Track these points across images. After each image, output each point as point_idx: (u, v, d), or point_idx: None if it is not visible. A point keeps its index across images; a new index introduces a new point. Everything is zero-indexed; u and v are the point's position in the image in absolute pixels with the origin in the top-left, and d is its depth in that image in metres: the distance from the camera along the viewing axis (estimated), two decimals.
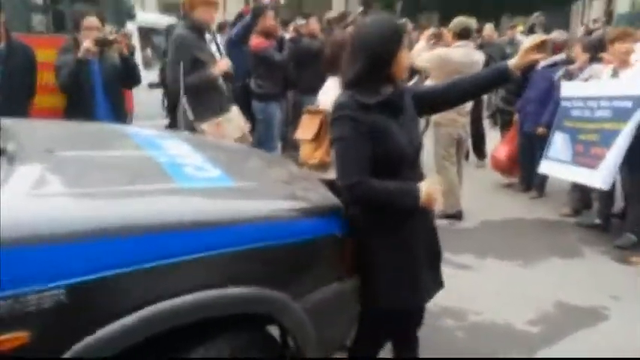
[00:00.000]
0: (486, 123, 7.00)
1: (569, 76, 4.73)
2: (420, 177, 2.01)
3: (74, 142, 2.26)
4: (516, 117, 5.57)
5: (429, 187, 1.89)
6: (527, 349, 2.83)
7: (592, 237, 4.42)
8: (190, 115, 3.51)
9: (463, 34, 4.51)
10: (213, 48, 3.68)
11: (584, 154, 4.17)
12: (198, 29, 3.58)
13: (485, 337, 2.94)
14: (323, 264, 2.02)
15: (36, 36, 4.51)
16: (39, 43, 4.39)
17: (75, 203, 1.58)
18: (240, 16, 5.55)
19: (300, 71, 5.26)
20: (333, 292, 2.02)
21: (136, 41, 4.41)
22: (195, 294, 1.62)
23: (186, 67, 3.45)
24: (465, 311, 3.15)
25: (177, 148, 2.36)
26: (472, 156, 6.77)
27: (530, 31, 8.50)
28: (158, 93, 4.51)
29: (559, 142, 4.47)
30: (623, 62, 4.19)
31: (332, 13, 5.46)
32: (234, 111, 3.77)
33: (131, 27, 5.00)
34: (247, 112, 5.01)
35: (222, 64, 3.61)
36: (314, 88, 3.17)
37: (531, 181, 5.52)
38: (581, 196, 4.90)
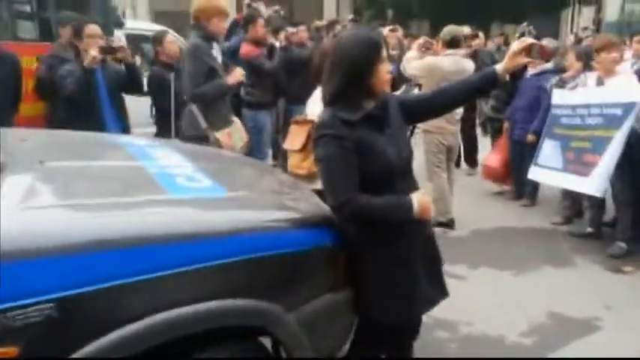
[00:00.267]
0: (477, 131, 6.98)
1: (563, 84, 4.73)
2: (414, 187, 1.98)
3: (65, 153, 2.24)
4: (506, 125, 5.56)
5: (421, 198, 1.86)
6: None
7: (584, 246, 4.40)
8: (203, 124, 3.53)
9: (452, 43, 4.52)
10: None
11: (576, 162, 4.16)
12: (211, 39, 3.63)
13: (477, 349, 2.89)
14: (316, 275, 2.00)
15: (21, 43, 4.46)
16: (24, 50, 4.34)
17: (64, 216, 1.56)
18: (234, 24, 5.53)
19: (289, 80, 5.23)
20: (327, 303, 2.00)
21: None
22: (185, 307, 1.60)
23: (202, 76, 3.50)
24: (458, 322, 3.11)
25: (168, 158, 2.34)
26: (463, 163, 6.76)
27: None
28: (146, 101, 4.45)
29: (549, 149, 4.46)
30: (609, 71, 4.21)
31: (320, 22, 5.43)
32: (237, 121, 3.85)
33: (119, 35, 4.96)
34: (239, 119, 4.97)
35: (237, 74, 3.67)
36: (303, 98, 3.13)
37: (522, 189, 5.50)
38: (573, 204, 4.89)
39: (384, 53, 1.84)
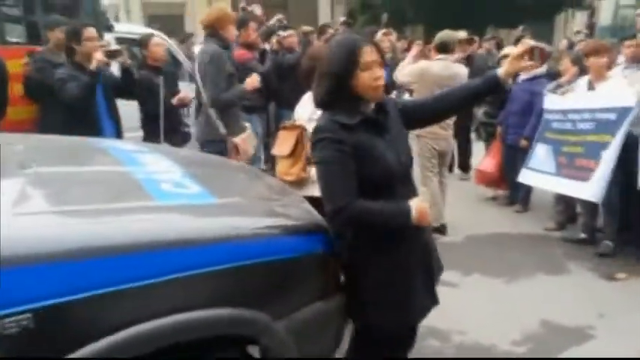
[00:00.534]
0: (472, 137, 6.95)
1: (559, 89, 4.70)
2: (413, 193, 1.95)
3: (50, 158, 2.18)
4: (499, 129, 5.53)
5: (419, 204, 1.82)
6: None
7: (578, 252, 4.36)
8: (222, 129, 3.61)
9: (442, 48, 4.53)
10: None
11: (569, 166, 4.15)
12: (226, 46, 3.74)
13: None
14: (306, 283, 1.96)
15: (9, 47, 4.39)
16: (12, 53, 4.28)
17: (45, 223, 1.50)
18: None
19: (280, 84, 5.19)
20: (317, 311, 1.97)
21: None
22: (171, 317, 1.56)
23: (223, 82, 3.59)
24: (450, 331, 3.07)
25: (157, 164, 2.30)
26: (456, 168, 6.72)
27: (516, 44, 8.49)
28: (135, 104, 4.40)
29: (541, 153, 4.45)
30: (599, 75, 4.19)
31: (307, 27, 5.42)
32: (249, 126, 3.96)
33: (108, 38, 4.89)
34: None
35: (254, 81, 3.73)
36: (293, 102, 3.10)
37: (516, 195, 5.47)
38: (566, 209, 4.86)
39: (368, 58, 1.78)
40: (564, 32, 17.54)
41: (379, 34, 5.73)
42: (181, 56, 6.24)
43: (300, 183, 2.67)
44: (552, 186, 4.43)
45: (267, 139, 5.63)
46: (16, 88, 4.22)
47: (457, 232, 4.73)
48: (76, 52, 3.77)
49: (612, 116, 3.89)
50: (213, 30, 3.69)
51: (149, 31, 6.05)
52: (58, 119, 3.75)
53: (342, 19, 6.68)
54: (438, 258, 2.13)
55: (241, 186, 2.36)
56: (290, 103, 3.37)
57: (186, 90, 4.75)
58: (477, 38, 8.21)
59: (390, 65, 5.15)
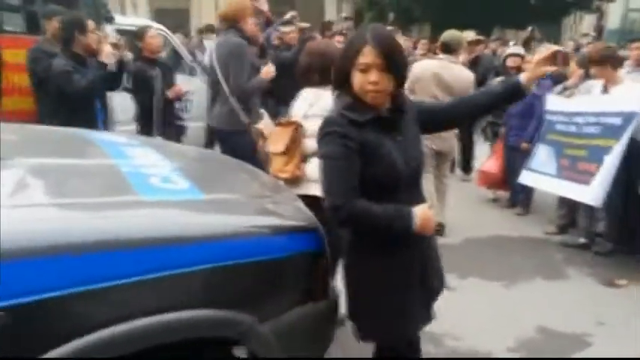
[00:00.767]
0: (479, 138, 6.85)
1: (565, 91, 4.63)
2: (419, 199, 1.84)
3: (33, 149, 2.13)
4: (502, 130, 5.46)
5: (423, 211, 1.73)
6: None
7: (578, 257, 4.30)
8: (245, 118, 3.69)
9: (445, 48, 4.48)
10: None
11: (571, 169, 4.10)
12: (247, 38, 3.78)
13: None
14: (295, 283, 1.91)
15: (7, 36, 4.35)
16: (10, 43, 4.24)
17: (17, 217, 1.43)
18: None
19: (278, 81, 5.12)
20: (307, 313, 1.92)
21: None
22: (151, 317, 1.51)
23: (248, 73, 3.67)
24: (445, 336, 3.00)
25: (145, 157, 2.24)
26: (457, 169, 6.66)
27: (525, 44, 8.39)
28: (129, 97, 4.36)
29: (543, 155, 4.40)
30: (612, 80, 4.12)
31: (304, 24, 5.38)
32: (266, 113, 3.92)
33: (109, 30, 4.85)
34: None
35: (270, 71, 3.79)
36: (291, 99, 3.04)
37: (516, 197, 5.41)
38: (568, 213, 4.78)
39: (365, 60, 1.67)
40: (572, 34, 17.41)
41: None
42: (183, 50, 6.21)
43: (294, 181, 2.61)
44: (553, 188, 4.37)
45: None
46: (15, 78, 4.19)
47: (456, 233, 4.66)
48: (75, 43, 3.73)
49: (618, 121, 3.82)
50: (233, 22, 3.73)
51: (151, 23, 6.02)
52: (55, 110, 3.72)
53: (343, 15, 6.60)
54: (441, 273, 2.03)
55: (232, 182, 2.30)
56: (288, 100, 3.32)
57: (182, 83, 4.71)
58: (483, 38, 8.15)
59: None
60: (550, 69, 1.92)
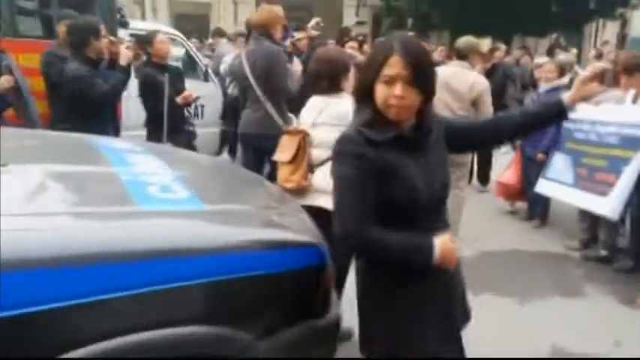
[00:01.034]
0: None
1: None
2: (441, 227, 1.66)
3: (31, 155, 2.09)
4: (519, 141, 5.33)
5: (445, 242, 1.56)
6: None
7: (597, 273, 4.15)
8: (281, 122, 3.75)
9: (458, 54, 4.42)
10: None
11: (589, 179, 3.99)
12: (277, 45, 3.88)
13: None
14: (295, 299, 1.84)
15: (23, 40, 4.38)
16: (26, 47, 4.26)
17: (5, 227, 1.37)
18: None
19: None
20: (306, 330, 1.84)
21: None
22: (141, 334, 1.45)
23: (287, 77, 3.78)
24: None
25: (147, 165, 2.19)
26: (475, 181, 6.52)
27: (549, 53, 8.24)
28: (139, 102, 4.35)
29: (560, 164, 4.30)
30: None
31: (315, 31, 5.35)
32: (294, 117, 4.01)
33: (123, 34, 4.85)
34: (237, 123, 4.84)
35: (296, 76, 3.95)
36: (301, 106, 2.99)
37: (534, 209, 5.27)
38: (591, 227, 4.60)
39: (390, 71, 1.48)
40: (594, 42, 17.12)
41: None
42: (198, 56, 6.20)
43: (300, 191, 2.54)
44: (569, 197, 4.25)
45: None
46: (30, 82, 4.21)
47: (471, 246, 4.54)
48: (90, 48, 3.75)
49: (638, 132, 3.70)
50: (264, 29, 3.80)
51: (166, 29, 6.03)
52: (67, 114, 3.72)
53: (356, 19, 6.55)
54: (466, 305, 1.87)
55: (236, 192, 2.24)
56: (298, 107, 3.28)
57: (196, 89, 4.70)
58: (502, 46, 8.01)
59: None
60: (597, 89, 1.72)
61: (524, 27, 15.13)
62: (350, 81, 2.58)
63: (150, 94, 4.08)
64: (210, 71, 5.95)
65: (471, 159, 5.24)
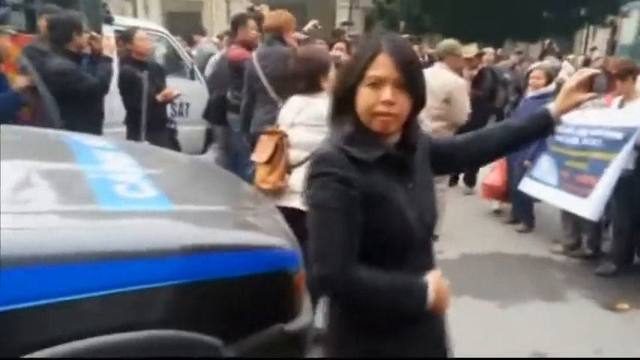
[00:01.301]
0: None
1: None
2: (430, 264, 1.44)
3: None
4: None
5: (438, 284, 1.34)
6: None
7: (580, 278, 4.15)
8: None
9: (440, 57, 4.54)
10: None
11: (571, 181, 4.04)
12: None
13: None
14: (265, 303, 1.79)
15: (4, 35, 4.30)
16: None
17: None
18: None
19: None
20: (276, 335, 1.80)
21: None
22: (100, 337, 1.41)
23: None
24: None
25: (117, 163, 2.14)
26: (461, 182, 6.52)
27: (541, 58, 8.25)
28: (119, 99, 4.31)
29: (545, 165, 4.34)
30: (631, 94, 4.07)
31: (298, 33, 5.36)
32: None
33: (108, 30, 4.78)
34: (223, 123, 4.80)
35: None
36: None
37: (519, 211, 5.26)
38: (575, 231, 4.60)
39: (376, 72, 1.25)
40: (585, 49, 17.22)
41: None
42: (184, 53, 6.15)
43: (277, 192, 2.51)
44: (552, 198, 4.30)
45: None
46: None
47: (453, 248, 4.52)
48: (72, 42, 3.72)
49: (619, 135, 3.75)
50: (278, 32, 3.87)
51: (153, 25, 5.97)
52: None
53: (343, 20, 6.53)
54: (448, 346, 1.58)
55: (209, 192, 2.20)
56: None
57: (181, 87, 4.65)
58: (490, 50, 8.01)
59: None
60: (586, 97, 1.51)
61: (515, 32, 15.20)
62: (330, 81, 2.55)
63: (129, 90, 4.03)
64: (196, 69, 5.90)
65: None
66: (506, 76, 8.04)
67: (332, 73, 2.61)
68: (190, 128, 5.47)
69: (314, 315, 2.01)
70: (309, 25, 5.50)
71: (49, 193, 1.69)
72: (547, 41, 9.07)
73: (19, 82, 3.45)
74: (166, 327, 1.54)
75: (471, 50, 5.92)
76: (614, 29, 17.06)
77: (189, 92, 5.42)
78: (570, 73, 6.48)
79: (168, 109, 4.77)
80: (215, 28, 17.33)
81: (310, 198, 1.29)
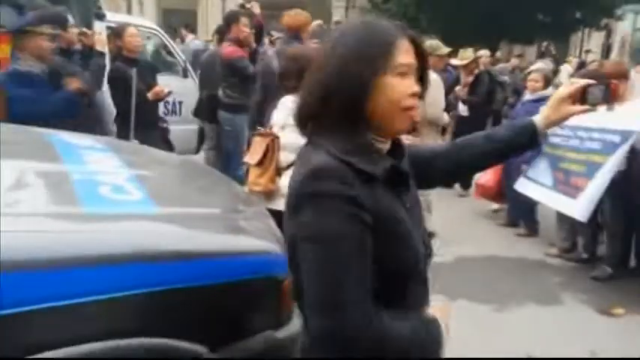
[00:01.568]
0: None
1: None
2: (426, 292, 1.22)
3: None
4: None
5: (442, 318, 1.16)
6: None
7: (575, 281, 4.11)
8: None
9: None
10: None
11: (565, 183, 4.02)
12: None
13: None
14: (253, 310, 1.74)
15: None
16: None
17: None
18: None
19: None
20: (264, 342, 1.75)
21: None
22: (80, 346, 1.35)
23: None
24: None
25: (102, 163, 2.07)
26: (456, 184, 6.48)
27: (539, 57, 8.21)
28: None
29: (541, 165, 4.32)
30: (622, 97, 3.99)
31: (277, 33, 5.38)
32: None
33: (100, 27, 4.71)
34: (214, 122, 4.74)
35: None
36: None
37: (515, 214, 5.22)
38: (570, 234, 4.56)
39: (404, 60, 1.06)
40: (580, 52, 17.25)
41: None
42: (177, 51, 6.08)
43: (267, 195, 2.45)
44: (546, 199, 4.27)
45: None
46: None
47: (447, 250, 4.46)
48: (60, 39, 3.68)
49: (617, 138, 3.71)
50: (296, 32, 4.03)
51: (144, 22, 5.90)
52: None
53: (336, 19, 6.49)
54: None
55: (197, 194, 2.14)
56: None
57: (173, 85, 4.59)
58: (486, 52, 7.99)
59: None
60: (577, 109, 1.34)
61: (511, 34, 15.19)
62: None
63: (118, 88, 3.96)
64: (189, 67, 5.83)
65: None
66: (505, 78, 8.02)
67: None
68: (183, 127, 5.40)
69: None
70: (314, 25, 5.45)
71: (30, 195, 1.63)
72: (544, 44, 9.03)
73: (72, 84, 3.43)
74: (148, 335, 1.48)
75: (467, 56, 5.88)
76: (609, 32, 17.10)
77: (181, 90, 5.36)
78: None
79: (161, 108, 4.70)
80: (210, 24, 17.20)
81: (307, 227, 1.00)
